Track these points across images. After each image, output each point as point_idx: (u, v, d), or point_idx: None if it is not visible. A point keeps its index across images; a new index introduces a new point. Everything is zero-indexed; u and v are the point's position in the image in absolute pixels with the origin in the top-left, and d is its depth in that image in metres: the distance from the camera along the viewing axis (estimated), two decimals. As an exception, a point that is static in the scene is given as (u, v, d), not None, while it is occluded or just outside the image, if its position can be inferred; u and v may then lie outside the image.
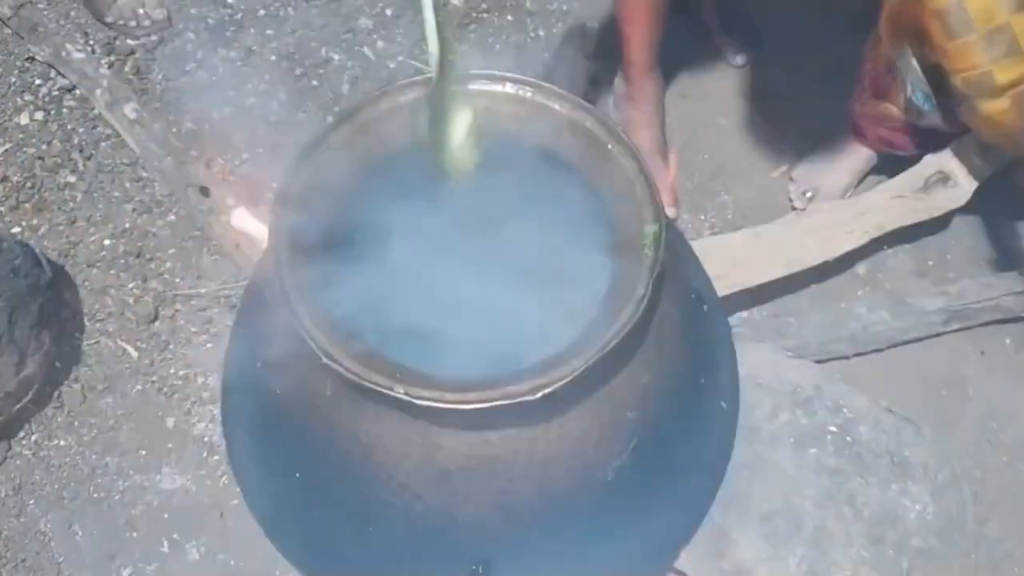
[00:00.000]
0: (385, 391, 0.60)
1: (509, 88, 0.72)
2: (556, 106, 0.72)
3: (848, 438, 0.98)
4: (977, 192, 1.24)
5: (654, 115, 1.26)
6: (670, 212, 1.25)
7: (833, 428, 0.98)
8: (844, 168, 1.28)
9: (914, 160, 1.24)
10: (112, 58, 1.37)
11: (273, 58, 1.37)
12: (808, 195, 1.26)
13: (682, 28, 1.33)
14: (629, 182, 0.68)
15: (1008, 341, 1.26)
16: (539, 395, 0.60)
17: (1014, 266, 1.26)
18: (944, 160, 1.24)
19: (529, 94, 0.72)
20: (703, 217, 1.29)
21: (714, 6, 1.38)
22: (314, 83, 1.36)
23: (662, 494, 0.79)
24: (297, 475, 0.75)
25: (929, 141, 1.20)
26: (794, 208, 1.25)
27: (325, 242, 0.68)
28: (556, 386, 0.61)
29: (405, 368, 0.63)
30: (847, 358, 1.19)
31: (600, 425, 0.69)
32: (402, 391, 0.60)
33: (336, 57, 1.38)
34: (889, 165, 1.30)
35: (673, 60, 1.32)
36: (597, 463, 0.70)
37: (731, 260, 1.14)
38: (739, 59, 1.39)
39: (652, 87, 1.25)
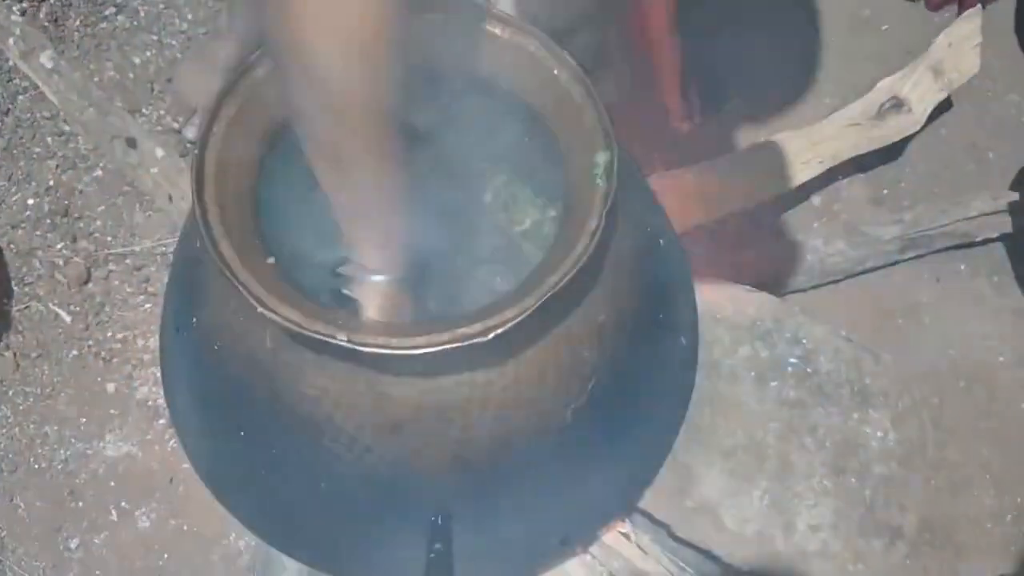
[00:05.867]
0: (327, 339, 0.57)
1: (445, 13, 0.68)
2: (498, 31, 0.67)
3: (808, 369, 0.97)
4: (930, 118, 1.24)
5: None
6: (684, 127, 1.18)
7: (793, 360, 0.97)
8: None
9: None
10: (24, 4, 1.28)
11: (198, -3, 1.30)
12: None
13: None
14: (577, 108, 0.64)
15: (963, 267, 1.26)
16: (491, 336, 0.57)
17: (968, 192, 1.25)
18: (897, 86, 1.22)
19: (467, 18, 0.67)
20: (656, 154, 1.26)
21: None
22: (244, 22, 1.29)
23: (623, 434, 0.77)
24: (242, 433, 0.71)
25: None
26: None
27: (255, 181, 0.64)
28: (508, 326, 0.57)
29: (347, 313, 0.59)
30: (805, 290, 1.18)
31: (556, 366, 0.66)
32: (344, 338, 0.56)
33: (266, -6, 1.31)
34: (840, 91, 1.29)
35: None
36: (555, 406, 0.68)
37: (686, 196, 1.12)
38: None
39: None
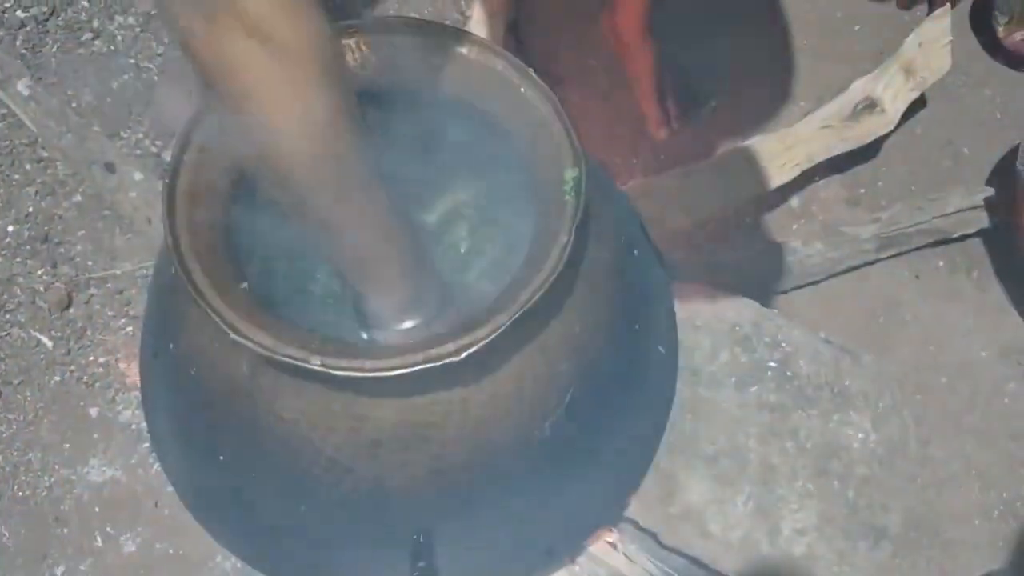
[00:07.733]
0: (300, 364, 0.57)
1: (412, 34, 0.68)
2: (464, 50, 0.68)
3: (788, 372, 0.97)
4: (905, 116, 1.24)
5: None
6: (661, 133, 1.18)
7: (773, 364, 0.97)
8: None
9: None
10: (1, 32, 1.28)
11: (174, 21, 1.29)
12: None
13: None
14: (545, 125, 0.64)
15: (941, 264, 1.27)
16: (464, 355, 0.57)
17: (944, 188, 1.26)
18: (870, 86, 1.23)
19: (435, 40, 0.68)
20: (634, 160, 1.27)
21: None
22: (220, 45, 1.29)
23: (605, 445, 0.77)
24: (221, 458, 0.71)
25: None
26: None
27: (225, 209, 0.64)
28: (481, 344, 0.57)
29: (320, 337, 0.59)
30: (784, 292, 1.18)
31: (533, 380, 0.66)
32: (318, 362, 0.57)
33: (242, 16, 1.31)
34: (814, 94, 1.29)
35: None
36: (533, 419, 0.68)
37: (663, 201, 1.12)
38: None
39: None
